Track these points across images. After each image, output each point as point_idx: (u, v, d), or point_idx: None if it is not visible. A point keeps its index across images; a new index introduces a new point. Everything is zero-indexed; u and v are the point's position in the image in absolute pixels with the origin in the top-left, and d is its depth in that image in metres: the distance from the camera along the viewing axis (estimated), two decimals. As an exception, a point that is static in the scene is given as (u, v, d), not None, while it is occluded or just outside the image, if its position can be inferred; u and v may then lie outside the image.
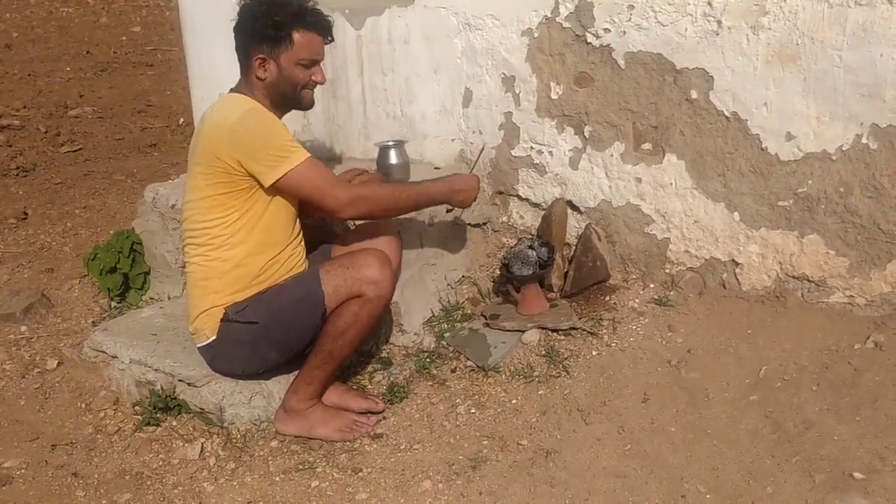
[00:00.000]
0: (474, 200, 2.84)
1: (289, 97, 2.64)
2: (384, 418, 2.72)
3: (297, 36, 2.56)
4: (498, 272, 3.36)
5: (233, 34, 2.61)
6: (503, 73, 3.33)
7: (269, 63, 2.56)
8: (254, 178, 2.50)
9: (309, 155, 2.52)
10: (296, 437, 2.64)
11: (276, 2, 2.56)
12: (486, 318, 3.12)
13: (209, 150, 2.49)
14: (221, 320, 2.58)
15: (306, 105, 2.70)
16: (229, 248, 2.56)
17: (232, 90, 2.65)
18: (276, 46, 2.55)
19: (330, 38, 2.67)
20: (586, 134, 3.24)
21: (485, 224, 3.54)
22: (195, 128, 2.69)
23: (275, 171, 2.46)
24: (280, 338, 2.59)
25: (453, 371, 2.92)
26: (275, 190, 2.52)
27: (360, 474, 2.48)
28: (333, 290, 2.51)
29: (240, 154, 2.45)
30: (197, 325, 2.63)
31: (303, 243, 2.73)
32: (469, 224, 3.43)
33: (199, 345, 2.67)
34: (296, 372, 2.66)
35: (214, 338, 2.61)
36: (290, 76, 2.59)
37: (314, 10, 2.61)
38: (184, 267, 3.48)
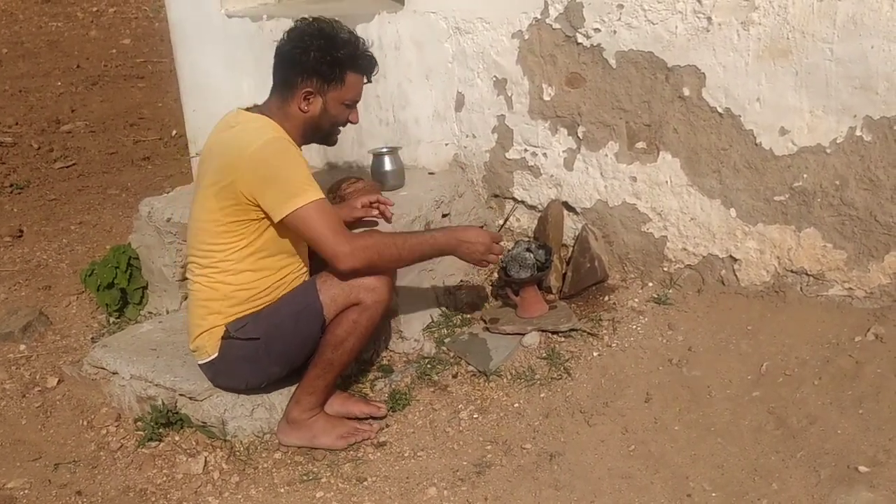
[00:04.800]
0: (484, 259, 2.70)
1: (322, 133, 2.64)
2: (387, 425, 2.72)
3: (349, 77, 2.55)
4: (496, 276, 3.35)
5: (275, 56, 2.57)
6: (495, 76, 3.33)
7: (315, 98, 2.53)
8: (264, 213, 2.46)
9: (322, 197, 2.45)
10: (299, 447, 2.64)
11: (333, 38, 2.52)
12: (485, 323, 3.12)
13: (226, 174, 2.44)
14: (222, 338, 2.57)
15: (333, 143, 2.72)
16: (234, 273, 2.53)
17: (258, 108, 2.58)
18: (327, 84, 2.53)
19: (369, 80, 2.65)
20: (580, 134, 3.24)
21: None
22: (209, 140, 2.61)
23: (284, 206, 2.40)
24: (281, 351, 2.58)
25: (455, 376, 2.92)
26: (283, 227, 2.47)
27: (365, 483, 2.48)
28: (331, 300, 2.50)
29: (254, 184, 2.41)
30: (198, 344, 2.62)
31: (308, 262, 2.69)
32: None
33: (200, 362, 2.66)
34: (297, 383, 2.65)
35: (216, 355, 2.60)
36: (335, 114, 2.59)
37: (368, 52, 2.60)
38: (182, 280, 3.49)
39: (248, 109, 2.59)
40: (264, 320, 2.55)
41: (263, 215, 2.47)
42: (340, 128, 2.67)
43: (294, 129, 2.55)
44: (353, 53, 2.55)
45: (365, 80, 2.63)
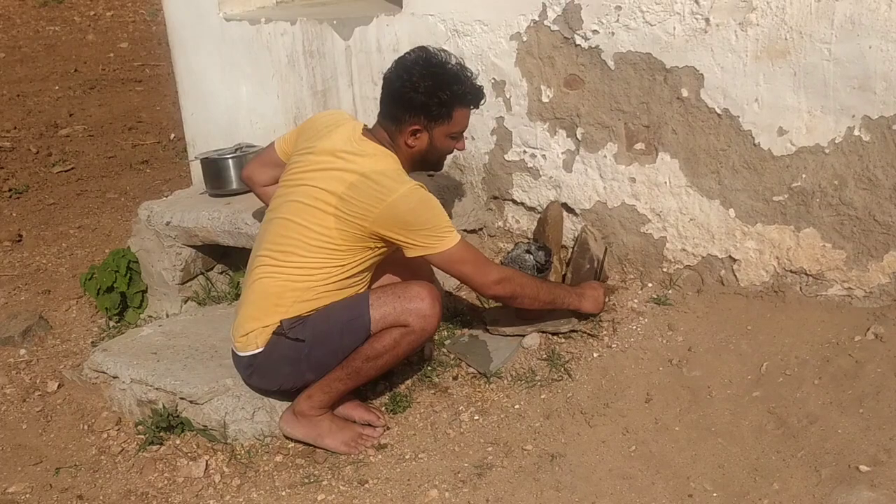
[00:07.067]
0: (604, 305, 3.02)
1: (430, 163, 2.69)
2: (388, 427, 2.72)
3: (456, 113, 2.57)
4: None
5: (382, 85, 2.60)
6: (493, 79, 3.33)
7: (422, 134, 2.56)
8: (386, 241, 2.51)
9: (461, 237, 2.54)
10: (301, 442, 2.64)
11: (440, 75, 2.52)
12: (485, 324, 3.12)
13: (358, 211, 2.46)
14: (273, 333, 2.55)
15: (439, 169, 2.78)
16: (316, 283, 2.53)
17: (372, 133, 2.61)
18: (434, 120, 2.55)
19: (476, 107, 2.68)
20: (579, 136, 3.24)
21: (481, 230, 3.54)
22: (323, 144, 2.60)
23: (428, 249, 2.50)
24: (321, 360, 2.56)
25: (455, 378, 2.92)
26: (394, 254, 2.56)
27: (366, 486, 2.48)
28: (381, 317, 2.49)
29: (393, 229, 2.47)
30: (249, 336, 2.57)
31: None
32: (466, 231, 3.43)
33: (241, 354, 2.61)
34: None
35: (261, 350, 2.57)
36: (440, 147, 2.63)
37: (475, 86, 2.60)
38: (182, 283, 3.50)
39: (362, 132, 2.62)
40: (313, 325, 2.52)
41: (381, 245, 2.53)
42: (447, 156, 2.72)
43: (404, 162, 2.60)
44: (460, 90, 2.55)
45: (472, 109, 2.65)
